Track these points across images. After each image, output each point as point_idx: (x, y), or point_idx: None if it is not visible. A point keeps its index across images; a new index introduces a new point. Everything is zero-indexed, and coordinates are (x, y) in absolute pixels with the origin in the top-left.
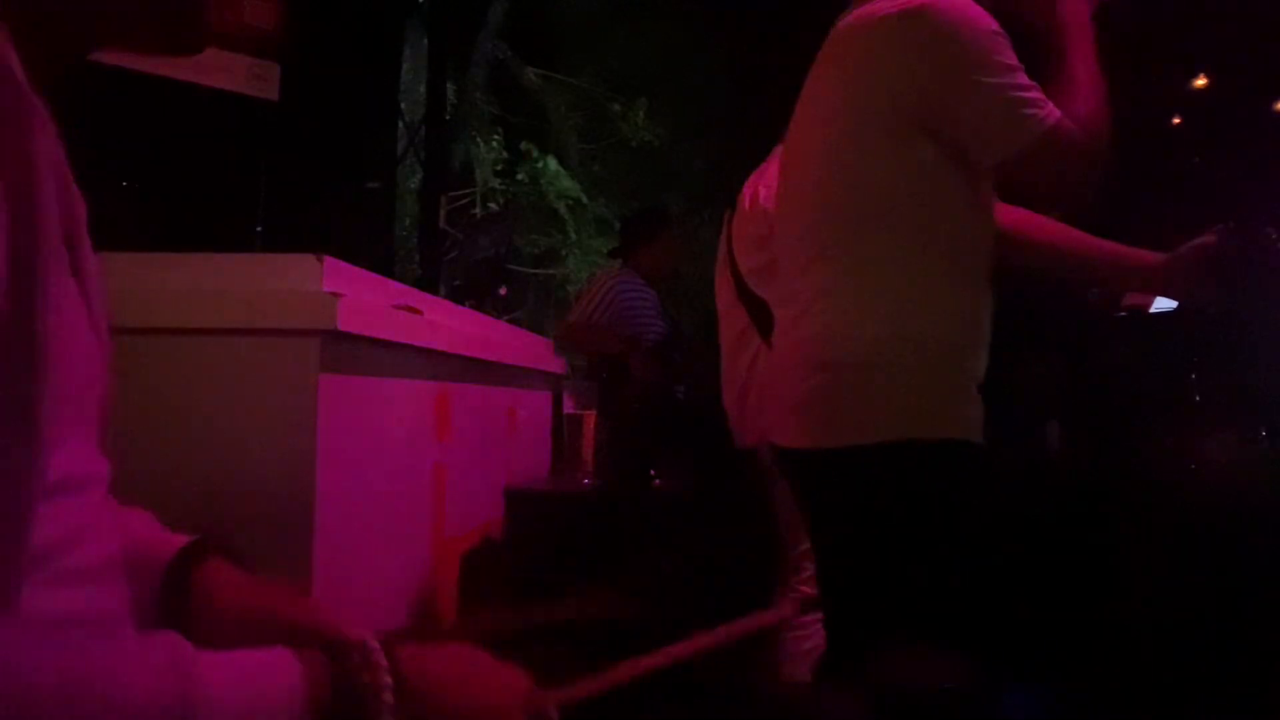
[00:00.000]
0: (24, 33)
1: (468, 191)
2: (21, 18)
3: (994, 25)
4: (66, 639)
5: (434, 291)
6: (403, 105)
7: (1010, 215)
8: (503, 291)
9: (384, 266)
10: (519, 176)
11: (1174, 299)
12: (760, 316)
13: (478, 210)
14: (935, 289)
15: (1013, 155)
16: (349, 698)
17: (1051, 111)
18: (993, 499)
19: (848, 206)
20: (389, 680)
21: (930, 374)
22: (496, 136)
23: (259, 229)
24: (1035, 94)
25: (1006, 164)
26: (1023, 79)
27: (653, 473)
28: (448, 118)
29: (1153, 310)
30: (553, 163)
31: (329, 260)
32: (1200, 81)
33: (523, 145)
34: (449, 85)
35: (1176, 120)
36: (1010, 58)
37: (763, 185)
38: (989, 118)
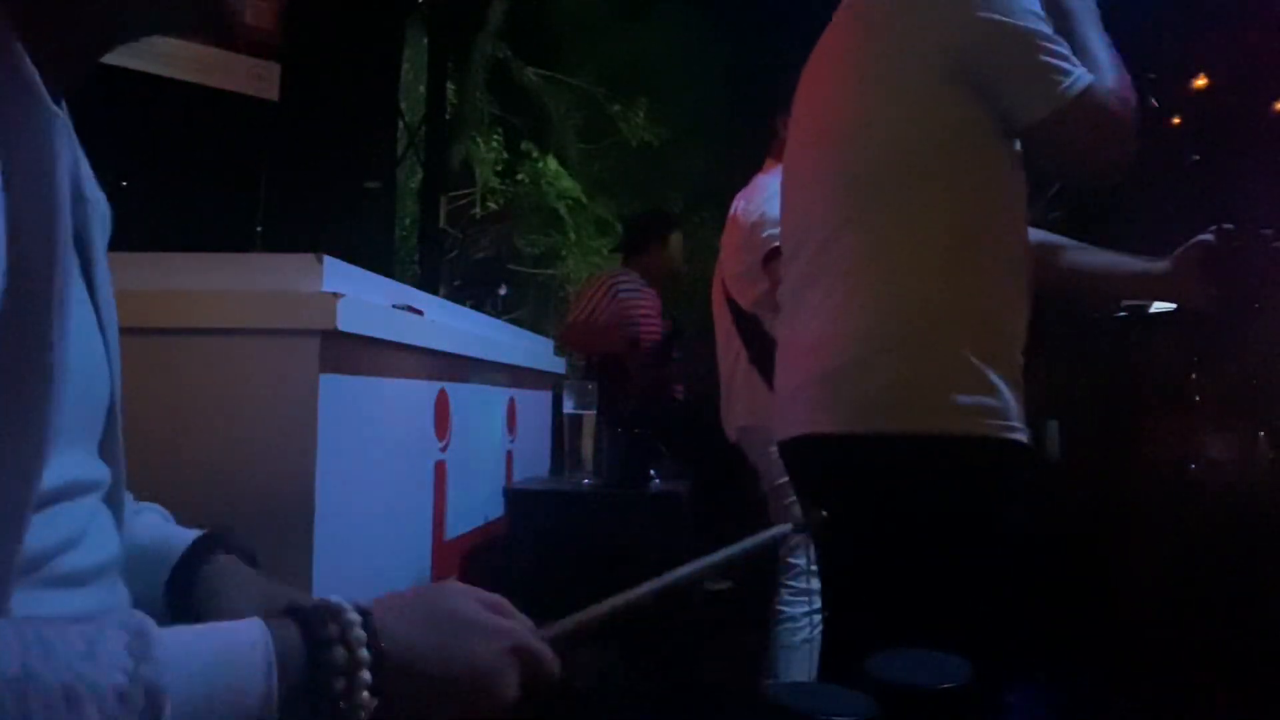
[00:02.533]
0: (43, 33)
1: (468, 191)
2: (40, 16)
3: None
4: (25, 627)
5: (434, 291)
6: (403, 105)
7: None
8: (502, 291)
9: (384, 266)
10: (519, 176)
11: (1174, 303)
12: (740, 321)
13: (478, 210)
14: (971, 262)
15: (1050, 114)
16: (323, 672)
17: (1085, 73)
18: (1017, 501)
19: (879, 172)
20: (366, 655)
21: (967, 359)
22: (496, 136)
23: (259, 229)
24: (1069, 53)
25: (1045, 124)
26: (1055, 38)
27: (653, 473)
28: (448, 118)
29: (1153, 310)
30: (553, 163)
31: (329, 260)
32: (1200, 81)
33: (523, 145)
34: (449, 85)
35: (1176, 120)
36: (1041, 12)
37: (742, 198)
38: (1028, 72)
